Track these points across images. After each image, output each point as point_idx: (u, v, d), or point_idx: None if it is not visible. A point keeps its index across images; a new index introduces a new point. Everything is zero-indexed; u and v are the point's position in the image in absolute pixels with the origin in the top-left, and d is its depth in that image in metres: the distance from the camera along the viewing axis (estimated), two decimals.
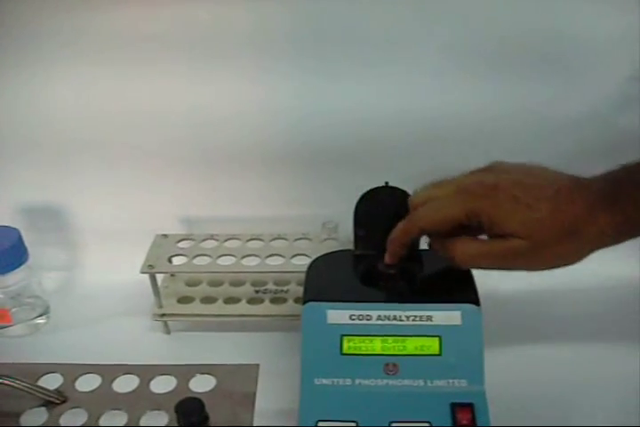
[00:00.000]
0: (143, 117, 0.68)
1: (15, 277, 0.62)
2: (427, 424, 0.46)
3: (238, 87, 0.66)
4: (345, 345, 0.49)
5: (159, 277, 0.62)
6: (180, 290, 0.65)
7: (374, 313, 0.49)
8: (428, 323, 0.49)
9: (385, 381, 0.48)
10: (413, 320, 0.49)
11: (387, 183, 0.55)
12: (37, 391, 0.53)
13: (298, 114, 0.67)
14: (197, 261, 0.63)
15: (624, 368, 0.56)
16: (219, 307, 0.63)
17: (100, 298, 0.68)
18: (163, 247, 0.64)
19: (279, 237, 0.65)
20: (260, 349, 0.60)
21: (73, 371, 0.57)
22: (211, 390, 0.55)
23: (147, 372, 0.56)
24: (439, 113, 0.66)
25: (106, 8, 0.62)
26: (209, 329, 0.63)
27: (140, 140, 0.69)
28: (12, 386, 0.52)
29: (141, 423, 0.52)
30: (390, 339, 0.49)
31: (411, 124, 0.67)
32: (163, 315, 0.63)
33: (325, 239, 0.65)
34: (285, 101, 0.67)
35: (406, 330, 0.49)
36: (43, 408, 0.53)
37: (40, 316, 0.66)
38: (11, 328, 0.64)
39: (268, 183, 0.70)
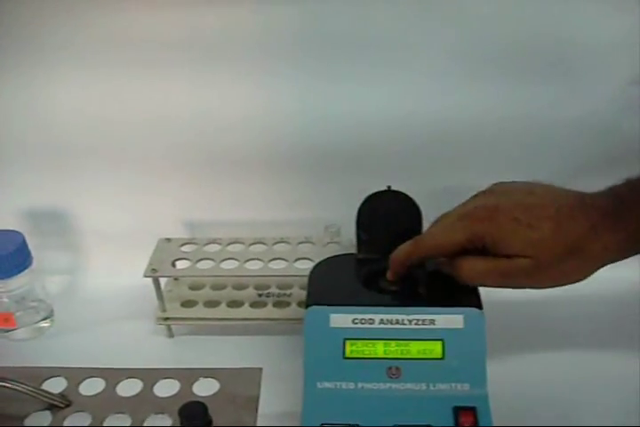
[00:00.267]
0: (147, 121, 0.68)
1: (19, 281, 0.62)
2: None
3: (242, 91, 0.66)
4: (347, 349, 0.49)
5: (162, 280, 0.63)
6: (184, 294, 0.65)
7: (377, 317, 0.49)
8: (431, 327, 0.49)
9: (387, 384, 0.48)
10: (416, 324, 0.49)
11: (389, 187, 0.55)
12: (41, 395, 0.53)
13: (301, 118, 0.67)
14: (201, 265, 0.63)
15: (626, 372, 0.56)
16: (222, 311, 0.63)
17: (103, 302, 0.68)
18: (166, 251, 0.64)
19: (282, 241, 0.65)
20: (262, 352, 0.60)
21: (77, 375, 0.57)
22: (214, 394, 0.55)
23: (150, 376, 0.57)
24: (442, 117, 0.66)
25: (109, 11, 0.62)
26: (212, 333, 0.63)
27: (144, 144, 0.69)
28: (17, 390, 0.52)
29: None
30: (393, 343, 0.49)
31: (414, 128, 0.67)
32: (166, 319, 0.63)
33: (328, 243, 0.65)
34: (289, 105, 0.67)
35: (409, 334, 0.49)
36: (47, 412, 0.53)
37: (44, 319, 0.66)
38: (15, 332, 0.64)
39: (271, 187, 0.71)
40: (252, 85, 0.66)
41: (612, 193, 0.49)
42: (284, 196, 0.71)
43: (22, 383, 0.52)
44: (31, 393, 0.52)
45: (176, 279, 0.67)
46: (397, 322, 0.49)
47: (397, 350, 0.49)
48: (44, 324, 0.66)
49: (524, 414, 0.52)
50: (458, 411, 0.47)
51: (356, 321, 0.49)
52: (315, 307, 0.50)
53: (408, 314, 0.49)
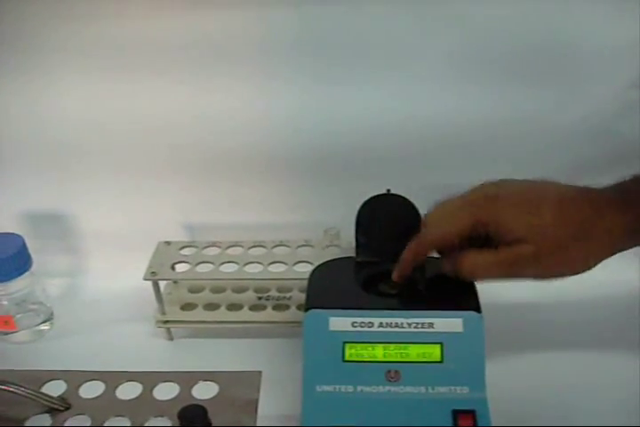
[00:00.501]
0: (147, 124, 0.68)
1: (19, 284, 0.62)
2: None
3: (241, 95, 0.66)
4: (347, 352, 0.49)
5: (162, 283, 0.63)
6: (183, 297, 0.65)
7: (376, 320, 0.49)
8: (430, 330, 0.49)
9: (387, 388, 0.48)
10: (415, 327, 0.49)
11: (389, 190, 0.55)
12: (41, 398, 0.53)
13: (301, 121, 0.68)
14: (200, 268, 0.63)
15: (625, 375, 0.56)
16: (221, 314, 0.63)
17: (103, 305, 0.69)
18: (166, 254, 0.64)
19: (281, 244, 0.65)
20: (262, 355, 0.60)
21: (77, 378, 0.57)
22: (213, 397, 0.55)
23: (150, 379, 0.57)
24: (441, 120, 0.66)
25: (110, 15, 0.63)
26: (212, 336, 0.63)
27: (144, 147, 0.69)
28: (16, 393, 0.52)
29: None
30: (392, 346, 0.49)
31: (413, 132, 0.67)
32: (166, 322, 0.63)
33: (327, 246, 0.65)
34: (288, 108, 0.67)
35: (408, 337, 0.49)
36: (46, 415, 0.53)
37: (44, 322, 0.66)
38: (15, 334, 0.64)
39: (271, 190, 0.71)
40: (252, 89, 0.66)
41: (619, 187, 0.49)
42: (284, 199, 0.71)
43: (22, 386, 0.52)
44: (31, 396, 0.52)
45: (176, 282, 0.67)
46: (397, 325, 0.49)
47: (396, 353, 0.49)
48: (44, 327, 0.66)
49: (524, 418, 0.52)
50: (457, 414, 0.47)
51: (356, 324, 0.49)
52: (314, 310, 0.50)
53: (407, 317, 0.49)
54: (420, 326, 0.49)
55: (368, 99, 0.66)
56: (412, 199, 0.55)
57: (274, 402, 0.54)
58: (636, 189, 0.48)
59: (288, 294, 0.65)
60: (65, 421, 0.53)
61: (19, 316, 0.64)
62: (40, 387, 0.56)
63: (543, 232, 0.47)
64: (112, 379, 0.57)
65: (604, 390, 0.55)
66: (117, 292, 0.69)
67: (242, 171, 0.70)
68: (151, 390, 0.56)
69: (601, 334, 0.62)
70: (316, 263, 0.57)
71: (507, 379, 0.52)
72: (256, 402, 0.54)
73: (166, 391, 0.55)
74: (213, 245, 0.66)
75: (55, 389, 0.56)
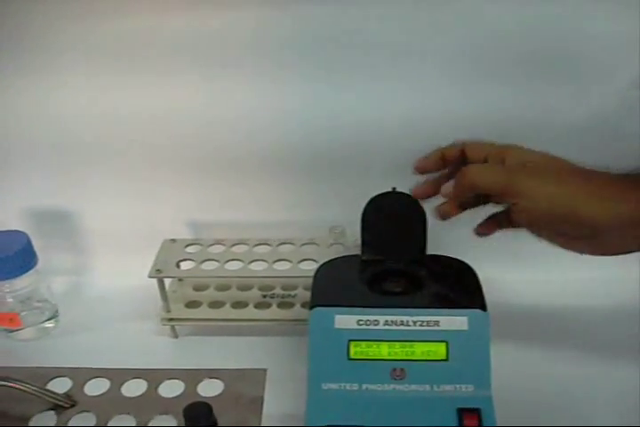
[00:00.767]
0: (151, 123, 0.68)
1: (24, 282, 0.63)
2: None
3: (246, 93, 0.66)
4: (352, 350, 0.49)
5: (167, 281, 0.63)
6: (188, 294, 0.65)
7: (381, 318, 0.49)
8: (435, 328, 0.49)
9: (392, 386, 0.48)
10: (420, 325, 0.49)
11: (394, 188, 0.55)
12: (46, 395, 0.53)
13: (306, 119, 0.68)
14: (205, 265, 0.63)
15: (631, 372, 0.56)
16: (226, 311, 0.63)
17: (108, 302, 0.69)
18: (171, 252, 0.64)
19: (286, 242, 0.66)
20: (267, 353, 0.60)
21: (82, 375, 0.57)
22: (218, 395, 0.55)
23: (155, 376, 0.57)
24: (446, 118, 0.66)
25: (116, 15, 0.63)
26: (216, 334, 0.63)
27: (149, 146, 0.69)
28: (22, 390, 0.52)
29: None
30: (397, 344, 0.49)
31: (418, 130, 0.67)
32: (170, 319, 0.63)
33: (333, 244, 0.65)
34: (293, 107, 0.67)
35: (413, 335, 0.49)
36: (52, 412, 0.53)
37: (49, 320, 0.66)
38: (20, 332, 0.65)
39: (276, 188, 0.71)
40: (256, 87, 0.66)
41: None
42: (289, 197, 0.71)
43: (27, 383, 0.52)
44: (36, 393, 0.53)
45: (180, 280, 0.67)
46: (402, 323, 0.49)
47: (402, 351, 0.49)
48: (49, 324, 0.66)
49: (529, 416, 0.52)
50: (462, 412, 0.47)
51: (361, 322, 0.49)
52: (319, 308, 0.50)
53: (412, 315, 0.49)
54: (425, 324, 0.49)
55: (373, 96, 0.66)
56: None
57: (279, 400, 0.54)
58: None
59: (293, 292, 0.65)
60: (70, 418, 0.53)
61: (24, 313, 0.64)
62: (45, 384, 0.56)
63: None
64: (117, 376, 0.57)
65: (609, 388, 0.55)
66: (122, 289, 0.69)
67: (247, 169, 0.70)
68: (156, 388, 0.56)
69: (608, 331, 0.62)
70: (321, 261, 0.57)
71: (512, 377, 0.51)
72: (261, 400, 0.54)
73: (171, 389, 0.55)
74: (218, 242, 0.66)
75: (60, 386, 0.56)
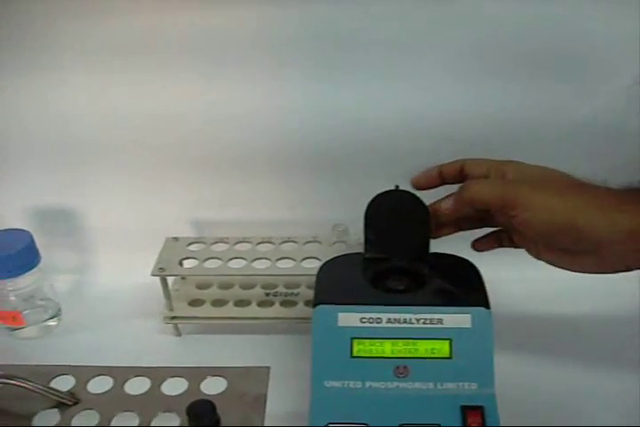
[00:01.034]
0: (155, 121, 0.68)
1: (27, 280, 0.63)
2: None
3: (249, 91, 0.66)
4: (355, 348, 0.49)
5: (170, 279, 0.63)
6: (191, 293, 0.65)
7: (385, 316, 0.49)
8: (439, 326, 0.49)
9: (395, 383, 0.48)
10: (424, 323, 0.49)
11: (397, 186, 0.55)
12: (50, 393, 0.53)
13: (309, 117, 0.68)
14: (208, 264, 0.63)
15: (633, 371, 0.56)
16: (229, 310, 0.63)
17: (111, 300, 0.69)
18: (174, 250, 0.64)
19: (289, 240, 0.65)
20: (270, 351, 0.60)
21: (85, 373, 0.57)
22: (222, 393, 0.55)
23: (158, 374, 0.57)
24: (449, 117, 0.66)
25: (120, 14, 0.63)
26: (219, 332, 0.63)
27: (152, 144, 0.69)
28: (25, 388, 0.52)
29: (153, 425, 0.52)
30: (400, 342, 0.49)
31: (421, 128, 0.67)
32: (173, 317, 0.63)
33: (335, 242, 0.65)
34: (296, 105, 0.67)
35: (416, 333, 0.49)
36: (55, 410, 0.54)
37: (52, 318, 0.66)
38: (23, 330, 0.65)
39: (279, 186, 0.71)
40: (259, 85, 0.66)
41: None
42: (292, 195, 0.71)
43: (31, 381, 0.52)
44: (39, 391, 0.53)
45: (183, 278, 0.67)
46: (405, 321, 0.49)
47: (405, 349, 0.49)
48: (52, 322, 0.66)
49: (532, 414, 0.52)
50: (465, 410, 0.47)
51: (364, 320, 0.49)
52: (322, 306, 0.50)
53: (415, 313, 0.49)
54: (428, 321, 0.49)
55: (376, 94, 0.66)
56: (420, 195, 0.55)
57: (282, 398, 0.54)
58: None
59: (296, 290, 0.65)
60: (73, 416, 0.53)
61: (27, 311, 0.64)
62: (49, 382, 0.56)
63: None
64: (120, 374, 0.57)
65: (611, 387, 0.55)
66: (125, 288, 0.69)
67: (250, 167, 0.70)
68: (159, 386, 0.56)
69: (609, 330, 0.62)
70: (324, 259, 0.57)
71: (515, 375, 0.52)
72: (264, 397, 0.54)
73: (175, 387, 0.56)
74: (221, 241, 0.66)
75: (64, 384, 0.56)
